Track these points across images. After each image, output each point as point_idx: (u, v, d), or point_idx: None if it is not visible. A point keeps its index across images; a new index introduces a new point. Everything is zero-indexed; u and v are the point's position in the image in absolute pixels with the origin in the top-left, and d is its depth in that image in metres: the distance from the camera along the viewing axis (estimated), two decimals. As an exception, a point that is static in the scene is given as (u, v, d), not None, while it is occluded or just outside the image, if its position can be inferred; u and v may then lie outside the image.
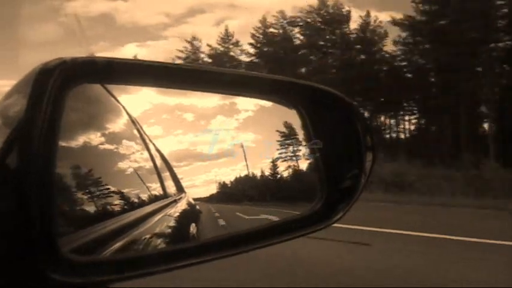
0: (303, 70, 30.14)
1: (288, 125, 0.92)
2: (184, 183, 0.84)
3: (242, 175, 0.86)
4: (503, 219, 8.02)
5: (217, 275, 3.76)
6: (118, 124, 0.80)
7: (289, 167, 0.91)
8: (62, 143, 0.52)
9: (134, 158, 0.83)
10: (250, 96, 0.87)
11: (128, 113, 0.81)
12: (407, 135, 30.41)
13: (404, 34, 27.27)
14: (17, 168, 0.46)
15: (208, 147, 0.82)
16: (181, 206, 0.90)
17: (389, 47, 29.11)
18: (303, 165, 0.93)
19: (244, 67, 31.99)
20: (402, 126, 31.25)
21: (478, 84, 23.59)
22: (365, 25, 29.58)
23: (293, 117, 0.89)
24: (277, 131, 0.91)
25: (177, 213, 0.88)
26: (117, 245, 0.62)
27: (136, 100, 0.77)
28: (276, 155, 0.90)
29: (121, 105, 0.78)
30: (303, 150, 0.91)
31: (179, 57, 33.56)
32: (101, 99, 0.72)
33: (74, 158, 0.60)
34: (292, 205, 0.96)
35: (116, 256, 0.60)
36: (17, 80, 0.54)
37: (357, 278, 4.32)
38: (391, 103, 28.91)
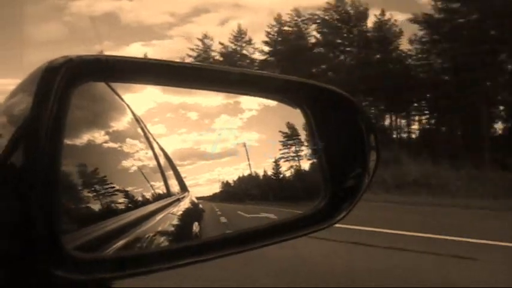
0: (318, 68, 29.71)
1: (290, 126, 0.92)
2: (187, 182, 0.84)
3: (245, 174, 0.86)
4: None
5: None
6: (122, 122, 0.81)
7: (292, 167, 0.91)
8: (67, 141, 0.52)
9: (138, 156, 0.84)
10: (255, 95, 0.87)
11: (132, 112, 0.81)
12: (419, 135, 29.72)
13: (421, 32, 26.55)
14: (23, 166, 0.46)
15: (212, 146, 0.82)
16: (185, 204, 0.90)
17: (404, 45, 28.59)
18: (305, 165, 0.94)
19: (257, 65, 31.79)
20: (415, 126, 30.70)
21: (494, 84, 23.06)
22: (380, 23, 29.04)
23: (297, 117, 0.89)
24: (280, 131, 0.91)
25: (180, 212, 0.89)
26: (121, 242, 0.62)
27: (141, 99, 0.78)
28: (279, 155, 0.90)
29: (125, 103, 0.79)
30: (306, 150, 0.91)
31: (190, 56, 33.21)
32: (106, 97, 0.72)
33: (79, 156, 0.60)
34: (295, 204, 0.96)
35: (119, 254, 0.61)
36: (21, 79, 0.54)
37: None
38: (403, 102, 28.47)
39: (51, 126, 0.47)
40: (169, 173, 0.89)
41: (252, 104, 0.89)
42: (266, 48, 31.80)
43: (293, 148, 0.91)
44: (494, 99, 24.73)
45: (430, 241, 5.91)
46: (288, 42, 29.76)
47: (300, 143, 0.91)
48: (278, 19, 31.12)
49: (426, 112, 29.36)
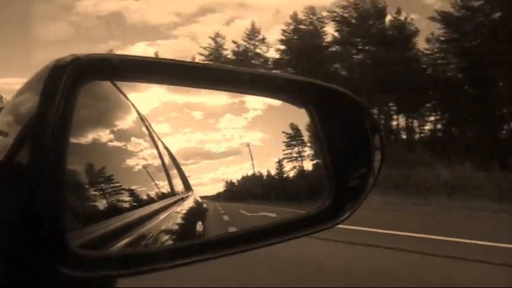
0: (332, 67, 29.38)
1: (294, 126, 0.92)
2: (191, 181, 0.84)
3: (249, 174, 0.86)
4: None
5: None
6: (127, 121, 0.81)
7: (294, 167, 0.91)
8: (72, 140, 0.53)
9: (142, 155, 0.84)
10: (260, 95, 0.88)
11: (137, 111, 0.81)
12: (437, 135, 29.09)
13: (440, 31, 26.10)
14: (30, 164, 0.47)
15: (216, 145, 0.82)
16: (188, 203, 0.90)
17: (421, 44, 28.07)
18: (308, 165, 0.94)
19: (271, 64, 31.51)
20: (427, 127, 30.15)
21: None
22: (397, 22, 28.53)
23: (301, 117, 0.89)
24: (284, 132, 0.91)
25: (184, 211, 0.89)
26: (125, 241, 0.62)
27: (146, 98, 0.78)
28: (283, 155, 0.90)
29: (130, 102, 0.79)
30: (309, 151, 0.91)
31: (201, 54, 32.99)
32: (111, 96, 0.72)
33: (84, 155, 0.60)
34: (298, 204, 0.96)
35: (123, 252, 0.61)
36: (27, 78, 0.54)
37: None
38: (419, 102, 28.11)
39: (57, 125, 0.47)
40: (174, 172, 0.89)
41: (256, 103, 0.89)
42: (282, 47, 31.45)
43: (296, 149, 0.91)
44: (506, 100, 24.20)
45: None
46: (303, 40, 29.43)
47: (303, 144, 0.91)
48: (294, 17, 30.79)
49: (439, 112, 28.76)
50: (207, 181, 0.82)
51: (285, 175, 0.90)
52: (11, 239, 0.48)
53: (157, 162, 0.87)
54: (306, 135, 0.91)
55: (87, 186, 0.60)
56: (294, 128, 0.92)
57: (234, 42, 33.03)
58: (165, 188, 0.91)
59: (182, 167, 0.84)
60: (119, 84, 0.73)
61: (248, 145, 0.85)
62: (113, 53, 0.62)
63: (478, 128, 24.29)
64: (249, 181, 0.87)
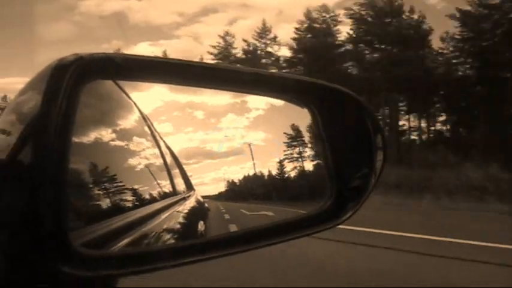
0: (345, 66, 29.16)
1: (295, 127, 0.92)
2: (193, 181, 0.84)
3: (251, 174, 0.86)
4: None
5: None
6: (129, 121, 0.81)
7: (295, 167, 0.91)
8: (75, 139, 0.53)
9: (144, 154, 0.84)
10: (262, 95, 0.87)
11: (139, 110, 0.81)
12: (455, 135, 28.65)
13: (456, 29, 25.81)
14: (32, 163, 0.47)
15: (218, 145, 0.82)
16: (190, 203, 0.91)
17: (436, 43, 27.92)
18: (309, 166, 0.94)
19: (282, 63, 31.21)
20: (444, 127, 29.82)
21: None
22: (413, 20, 28.02)
23: (304, 117, 0.89)
24: (285, 133, 0.91)
25: (186, 211, 0.89)
26: (127, 240, 0.63)
27: (148, 97, 0.78)
28: (284, 155, 0.90)
29: (132, 102, 0.79)
30: (310, 151, 0.92)
31: (211, 53, 32.54)
32: (113, 95, 0.72)
33: (86, 154, 0.60)
34: (300, 204, 0.96)
35: (125, 251, 0.61)
36: (29, 78, 0.54)
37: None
38: (431, 102, 27.94)
39: (60, 124, 0.47)
40: (175, 172, 0.89)
41: (259, 103, 0.89)
42: (294, 45, 31.03)
43: (297, 149, 0.91)
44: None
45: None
46: (318, 39, 29.11)
47: (304, 145, 0.91)
48: (307, 14, 30.40)
49: (450, 111, 28.51)
50: (209, 181, 0.82)
51: (286, 175, 0.90)
52: (12, 239, 0.48)
53: (159, 161, 0.87)
54: (306, 136, 0.92)
55: (89, 186, 0.60)
56: (295, 128, 0.92)
57: (245, 40, 32.62)
58: (167, 188, 0.91)
59: (184, 166, 0.84)
60: (121, 84, 0.73)
61: (250, 145, 0.85)
62: (116, 52, 0.62)
63: (488, 127, 24.01)
64: (251, 181, 0.87)
